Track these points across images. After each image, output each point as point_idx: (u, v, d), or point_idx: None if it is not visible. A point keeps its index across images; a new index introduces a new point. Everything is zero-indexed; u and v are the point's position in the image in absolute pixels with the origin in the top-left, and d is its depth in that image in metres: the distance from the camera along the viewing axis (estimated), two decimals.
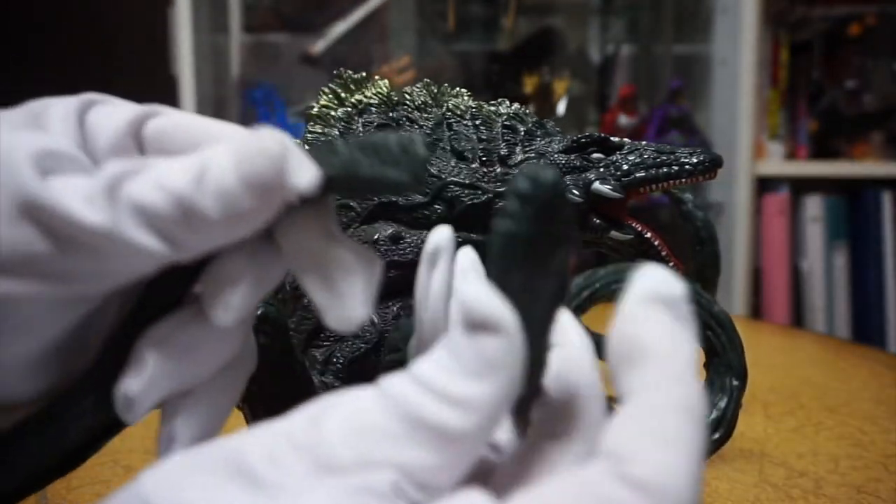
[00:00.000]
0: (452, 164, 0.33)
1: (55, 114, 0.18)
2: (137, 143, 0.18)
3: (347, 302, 0.17)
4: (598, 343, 0.48)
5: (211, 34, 1.27)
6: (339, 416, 0.14)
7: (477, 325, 0.14)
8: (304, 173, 0.16)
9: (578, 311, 0.23)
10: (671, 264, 0.32)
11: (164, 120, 0.18)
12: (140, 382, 0.17)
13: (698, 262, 0.46)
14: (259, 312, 0.23)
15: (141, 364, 0.17)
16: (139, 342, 0.18)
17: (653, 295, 0.15)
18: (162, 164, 0.16)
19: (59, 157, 0.16)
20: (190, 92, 1.20)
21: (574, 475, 0.13)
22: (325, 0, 1.29)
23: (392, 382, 0.14)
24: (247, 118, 1.26)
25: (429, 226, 0.32)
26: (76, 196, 0.15)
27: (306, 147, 0.17)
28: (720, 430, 0.24)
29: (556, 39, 1.28)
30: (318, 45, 1.24)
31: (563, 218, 0.15)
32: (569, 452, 0.15)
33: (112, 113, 0.18)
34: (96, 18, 1.60)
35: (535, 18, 1.33)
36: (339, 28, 1.25)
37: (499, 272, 0.14)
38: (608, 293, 0.24)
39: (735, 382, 0.24)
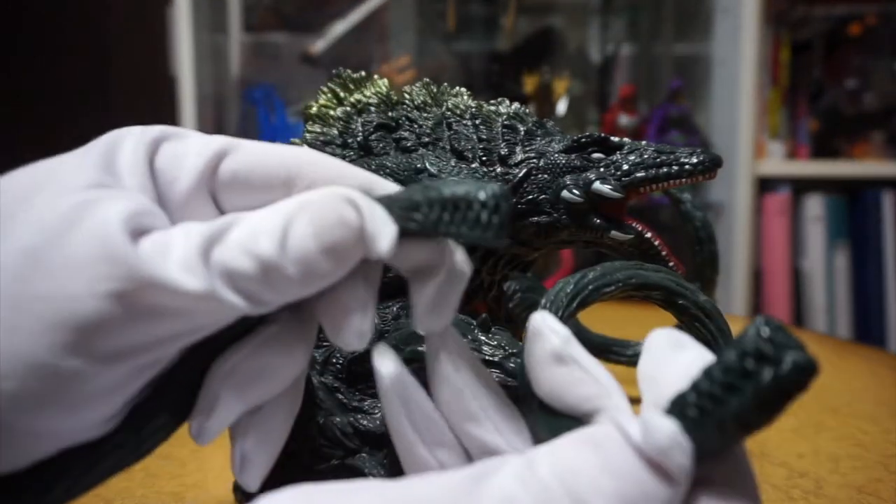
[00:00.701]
0: (452, 163, 0.33)
1: (126, 159, 0.18)
2: (211, 186, 0.19)
3: (341, 335, 0.18)
4: (602, 343, 0.48)
5: (210, 34, 1.27)
6: (485, 499, 0.13)
7: (656, 466, 0.13)
8: (384, 238, 0.17)
9: (568, 317, 0.23)
10: (671, 264, 0.32)
11: (239, 159, 0.19)
12: (211, 416, 0.18)
13: (697, 261, 0.45)
14: None
15: (211, 398, 0.18)
16: (209, 375, 0.18)
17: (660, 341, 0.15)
18: (245, 224, 0.17)
19: (143, 215, 0.17)
20: (190, 92, 1.20)
21: None
22: (325, 0, 1.29)
23: (535, 472, 0.14)
24: (247, 118, 1.26)
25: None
26: (173, 262, 0.16)
27: (387, 200, 0.17)
28: None
29: (556, 39, 1.28)
30: (318, 45, 1.24)
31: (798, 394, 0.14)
32: None
33: (185, 154, 0.19)
34: (95, 18, 1.60)
35: (535, 18, 1.33)
36: (339, 28, 1.25)
37: (710, 431, 0.14)
38: (598, 296, 0.23)
39: None
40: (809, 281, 1.24)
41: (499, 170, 0.33)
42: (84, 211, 0.16)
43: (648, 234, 0.32)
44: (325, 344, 0.29)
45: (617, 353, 0.48)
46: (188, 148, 0.19)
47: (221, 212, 0.19)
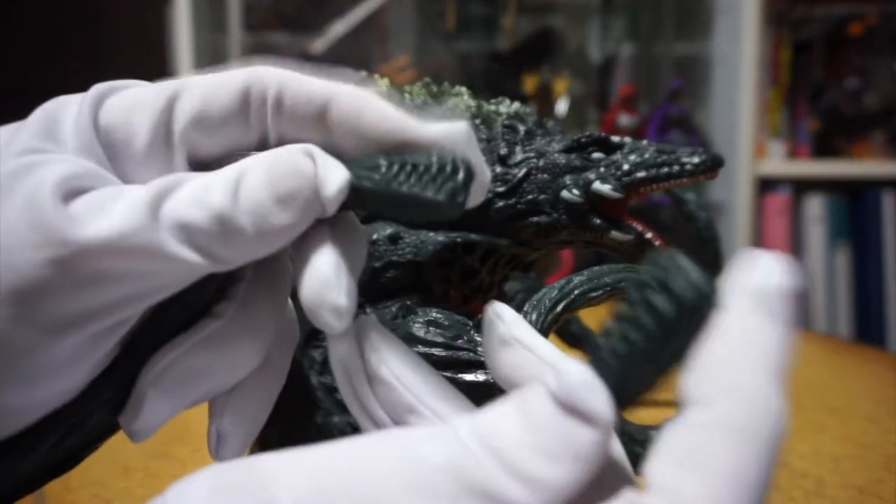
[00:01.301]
0: (479, 196, 0.33)
1: (68, 122, 0.17)
2: (170, 135, 0.18)
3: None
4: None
5: (210, 34, 1.27)
6: (389, 464, 0.13)
7: (575, 411, 0.13)
8: (332, 183, 0.16)
9: (553, 324, 0.23)
10: None
11: (193, 97, 0.18)
12: (140, 419, 0.17)
13: (701, 261, 0.45)
14: None
15: (140, 402, 0.17)
16: (142, 372, 0.18)
17: (747, 288, 0.14)
18: (197, 179, 0.16)
19: (79, 177, 0.16)
20: None
21: None
22: (325, 0, 1.29)
23: (457, 435, 0.13)
24: None
25: (428, 225, 0.32)
26: (111, 220, 0.15)
27: (350, 160, 0.17)
28: None
29: (556, 39, 1.28)
30: (318, 45, 1.24)
31: (705, 323, 0.14)
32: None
33: (134, 107, 0.18)
34: (95, 18, 1.60)
35: (535, 18, 1.32)
36: (339, 28, 1.25)
37: (620, 367, 0.13)
38: (585, 302, 0.23)
39: None
40: (809, 281, 1.24)
41: (498, 169, 0.32)
42: (16, 178, 0.15)
43: (649, 235, 0.32)
44: (323, 344, 0.29)
45: None
46: (137, 100, 0.18)
47: (190, 165, 0.18)
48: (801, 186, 1.23)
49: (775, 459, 0.12)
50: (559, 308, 0.23)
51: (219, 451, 0.18)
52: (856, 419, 0.47)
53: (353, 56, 1.25)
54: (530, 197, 0.32)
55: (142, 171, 0.18)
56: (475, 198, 0.18)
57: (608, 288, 0.23)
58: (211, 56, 1.27)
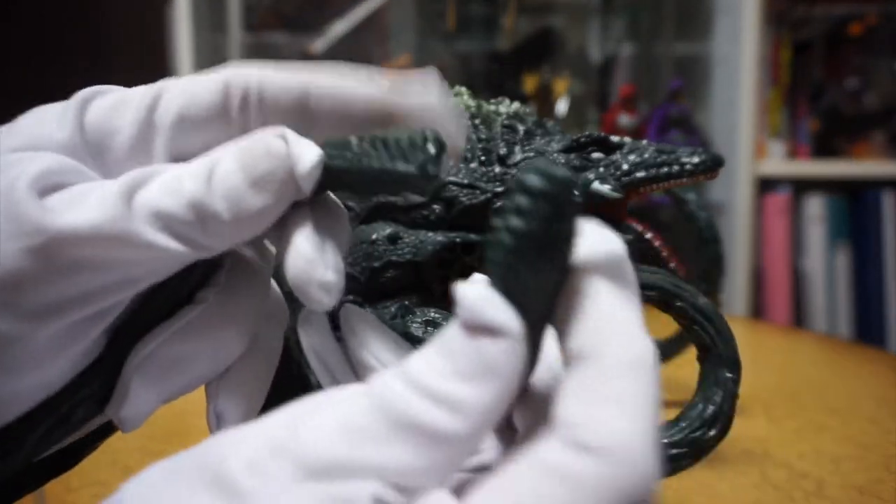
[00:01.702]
0: (451, 163, 0.33)
1: (52, 122, 0.18)
2: (152, 134, 0.18)
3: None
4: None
5: (210, 33, 1.27)
6: (323, 416, 0.13)
7: (478, 328, 0.13)
8: (305, 159, 0.16)
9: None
10: (672, 265, 0.32)
11: (174, 94, 0.18)
12: (127, 407, 0.17)
13: (701, 262, 0.45)
14: None
15: (126, 389, 0.17)
16: (127, 360, 0.18)
17: (594, 257, 0.15)
18: (172, 170, 0.17)
19: (57, 173, 0.16)
20: None
21: (528, 454, 0.13)
22: (325, 0, 1.29)
23: (380, 381, 0.13)
24: None
25: (427, 226, 0.32)
26: (86, 211, 0.16)
27: (323, 142, 0.17)
28: (716, 425, 0.23)
29: (556, 39, 1.28)
30: (318, 45, 1.24)
31: (573, 214, 0.14)
32: None
33: (121, 106, 0.18)
34: (94, 18, 1.60)
35: (535, 18, 1.32)
36: (339, 27, 1.25)
37: (505, 271, 0.14)
38: None
39: (728, 374, 0.23)
40: (810, 281, 1.24)
41: (497, 169, 0.32)
42: None
43: (649, 235, 0.32)
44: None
45: None
46: (122, 100, 0.18)
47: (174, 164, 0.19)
48: (801, 186, 1.23)
49: (658, 384, 0.14)
50: None
51: (219, 431, 0.18)
52: (856, 419, 0.47)
53: (353, 56, 1.25)
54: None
55: (125, 169, 0.18)
56: (447, 168, 0.18)
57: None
58: (211, 56, 1.27)
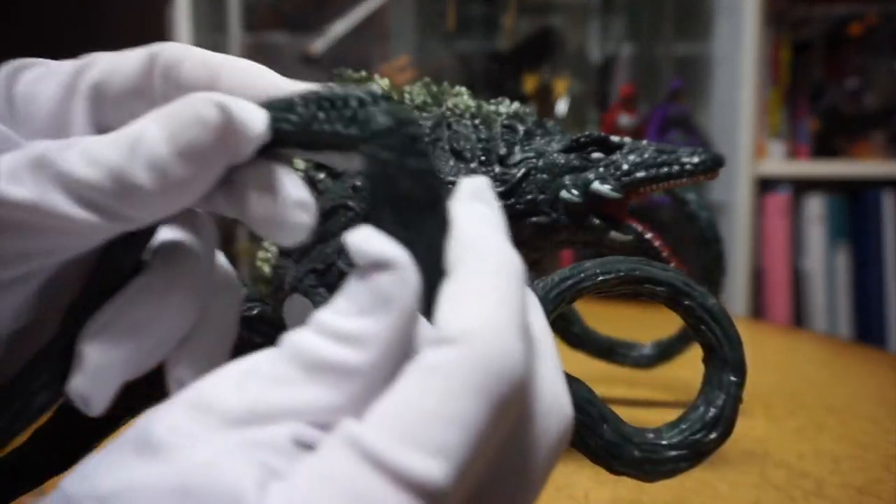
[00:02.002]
0: (451, 163, 0.33)
1: None
2: (74, 106, 0.18)
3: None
4: (607, 344, 0.47)
5: (210, 34, 1.27)
6: (236, 371, 0.14)
7: (367, 265, 0.14)
8: (255, 122, 0.16)
9: (559, 299, 0.23)
10: (672, 265, 0.31)
11: (98, 68, 0.18)
12: (85, 380, 0.17)
13: (703, 263, 0.45)
14: (255, 312, 0.23)
15: (82, 361, 0.17)
16: (79, 337, 0.17)
17: (458, 190, 0.17)
18: (93, 138, 0.16)
19: None
20: None
21: (415, 364, 0.13)
22: (325, 0, 1.29)
23: (290, 335, 0.14)
24: None
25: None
26: (2, 177, 0.15)
27: (264, 103, 0.17)
28: (717, 429, 0.22)
29: (556, 39, 1.28)
30: (318, 45, 1.24)
31: (424, 150, 0.15)
32: None
33: (46, 76, 0.18)
34: (94, 18, 1.60)
35: (535, 18, 1.32)
36: (339, 27, 1.25)
37: (375, 212, 0.15)
38: (594, 284, 0.23)
39: (732, 378, 0.22)
40: (810, 281, 1.24)
41: (497, 169, 0.32)
42: None
43: (649, 235, 0.31)
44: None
45: (622, 355, 0.48)
46: (48, 71, 0.18)
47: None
48: (801, 186, 1.23)
49: (524, 285, 0.15)
50: (568, 283, 0.23)
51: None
52: (856, 419, 0.47)
53: (353, 56, 1.25)
54: (529, 197, 0.32)
55: (48, 138, 0.18)
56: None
57: (621, 273, 0.22)
58: None
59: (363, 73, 0.37)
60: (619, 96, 1.18)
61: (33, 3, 1.59)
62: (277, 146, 0.17)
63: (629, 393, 0.49)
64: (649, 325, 0.23)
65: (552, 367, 0.17)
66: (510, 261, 0.15)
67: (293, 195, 0.16)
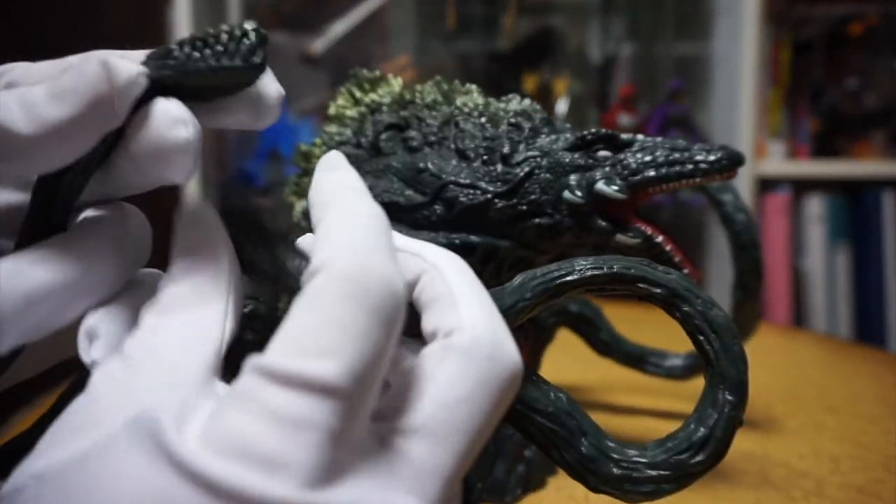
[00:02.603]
0: (454, 163, 0.32)
1: None
2: None
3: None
4: (638, 353, 0.45)
5: None
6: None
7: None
8: (123, 71, 0.17)
9: (540, 292, 0.22)
10: (684, 270, 0.29)
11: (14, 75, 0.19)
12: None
13: (738, 269, 0.41)
14: (248, 310, 0.23)
15: None
16: None
17: (320, 165, 0.20)
18: None
19: None
20: None
21: (297, 299, 0.16)
22: (325, 0, 1.29)
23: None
24: None
25: (429, 226, 0.32)
26: None
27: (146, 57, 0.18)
28: (705, 450, 0.20)
29: (556, 39, 1.28)
30: (318, 45, 1.24)
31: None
32: None
33: None
34: (93, 18, 1.60)
35: (535, 18, 1.32)
36: (339, 27, 1.25)
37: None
38: (583, 279, 0.21)
39: (728, 397, 0.20)
40: (810, 281, 1.24)
41: (499, 168, 0.31)
42: None
43: (659, 239, 0.30)
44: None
45: (653, 364, 0.45)
46: None
47: None
48: (801, 186, 1.23)
49: (382, 224, 0.18)
50: (551, 276, 0.21)
51: (91, 352, 0.18)
52: (856, 419, 0.47)
53: (353, 56, 1.25)
54: (532, 197, 0.31)
55: None
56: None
57: (613, 270, 0.21)
58: None
59: (377, 73, 0.37)
60: (619, 96, 1.18)
61: (33, 3, 1.59)
62: (165, 93, 0.17)
63: (661, 403, 0.47)
64: (681, 333, 0.22)
65: (474, 300, 0.18)
66: (362, 206, 0.18)
67: (171, 112, 0.17)
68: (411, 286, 0.19)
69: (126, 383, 0.16)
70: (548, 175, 0.31)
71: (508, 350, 0.16)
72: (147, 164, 0.18)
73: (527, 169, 0.31)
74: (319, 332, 0.14)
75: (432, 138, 0.33)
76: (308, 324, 0.14)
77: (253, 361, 0.14)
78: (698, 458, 0.20)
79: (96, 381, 0.16)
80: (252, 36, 0.17)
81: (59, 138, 0.16)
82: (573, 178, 0.31)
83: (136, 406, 0.15)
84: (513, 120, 0.33)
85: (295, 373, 0.14)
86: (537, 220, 0.31)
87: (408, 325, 0.18)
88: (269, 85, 0.19)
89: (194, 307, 0.18)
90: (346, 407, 0.14)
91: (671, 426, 0.21)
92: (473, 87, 0.34)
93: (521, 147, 0.32)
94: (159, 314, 0.18)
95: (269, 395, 0.14)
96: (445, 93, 0.35)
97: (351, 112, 0.36)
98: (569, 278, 0.21)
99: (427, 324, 0.18)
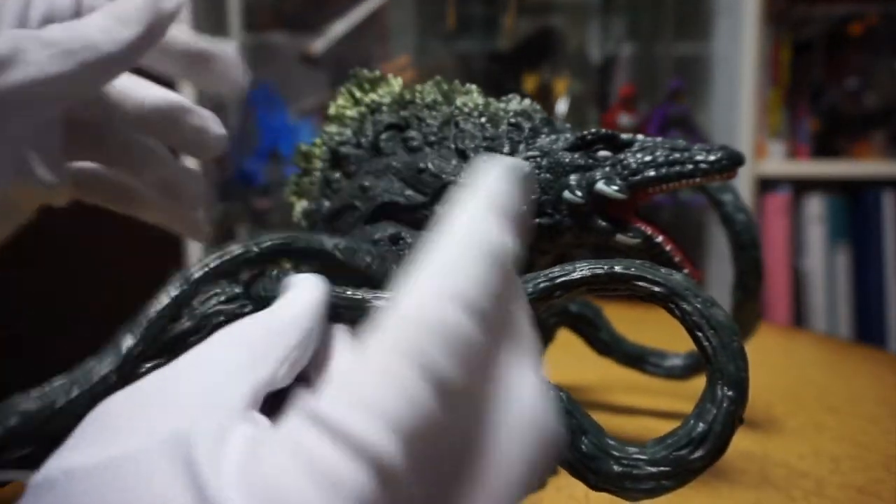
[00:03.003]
0: (454, 163, 0.32)
1: None
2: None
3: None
4: (638, 353, 0.45)
5: (210, 34, 1.27)
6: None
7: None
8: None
9: (542, 293, 0.22)
10: (686, 271, 0.29)
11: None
12: None
13: (738, 269, 0.41)
14: (247, 311, 0.23)
15: None
16: None
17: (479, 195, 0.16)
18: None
19: None
20: (189, 92, 1.20)
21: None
22: (325, 0, 1.29)
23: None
24: (247, 118, 1.26)
25: (429, 226, 0.32)
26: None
27: None
28: (704, 446, 0.20)
29: (556, 39, 1.28)
30: (318, 45, 1.24)
31: None
32: None
33: None
34: None
35: (535, 18, 1.32)
36: (339, 27, 1.25)
37: None
38: (583, 279, 0.21)
39: (728, 393, 0.20)
40: (810, 281, 1.24)
41: None
42: None
43: (659, 239, 0.30)
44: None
45: (653, 364, 0.45)
46: None
47: None
48: (801, 186, 1.23)
49: (490, 257, 0.15)
50: (553, 277, 0.21)
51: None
52: (856, 419, 0.47)
53: (353, 56, 1.25)
54: (532, 197, 0.31)
55: None
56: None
57: (613, 270, 0.21)
58: None
59: (377, 73, 0.37)
60: (619, 96, 1.18)
61: None
62: None
63: (661, 403, 0.47)
64: (682, 333, 0.22)
65: (528, 369, 0.16)
66: (475, 234, 0.15)
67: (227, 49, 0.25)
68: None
69: (172, 393, 0.16)
70: (548, 175, 0.31)
71: None
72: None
73: None
74: (380, 392, 0.13)
75: (432, 138, 0.33)
76: (369, 379, 0.13)
77: (306, 404, 0.13)
78: (698, 453, 0.20)
79: (145, 384, 0.17)
80: None
81: (135, 54, 0.23)
82: (573, 178, 0.31)
83: (175, 420, 0.15)
84: (513, 120, 0.33)
85: (345, 429, 0.13)
86: (537, 220, 0.31)
87: None
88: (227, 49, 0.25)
89: (257, 341, 0.19)
90: (393, 483, 0.13)
91: (671, 426, 0.21)
92: (473, 87, 0.34)
93: (521, 147, 0.32)
94: (224, 332, 0.19)
95: (314, 443, 0.13)
96: (445, 93, 0.35)
97: (351, 112, 0.36)
98: (570, 278, 0.21)
99: None
